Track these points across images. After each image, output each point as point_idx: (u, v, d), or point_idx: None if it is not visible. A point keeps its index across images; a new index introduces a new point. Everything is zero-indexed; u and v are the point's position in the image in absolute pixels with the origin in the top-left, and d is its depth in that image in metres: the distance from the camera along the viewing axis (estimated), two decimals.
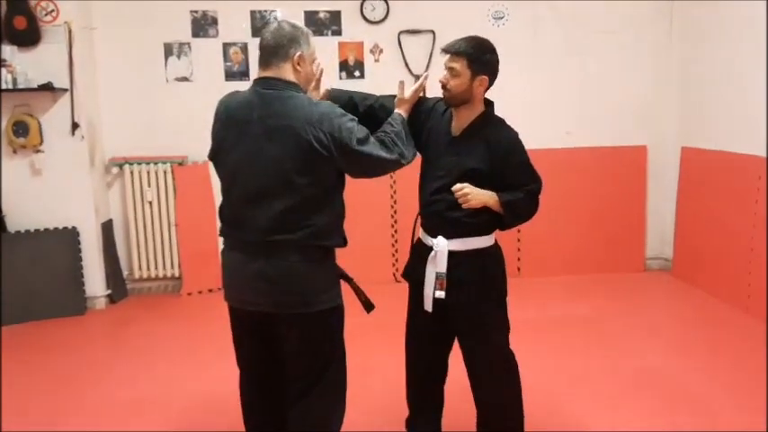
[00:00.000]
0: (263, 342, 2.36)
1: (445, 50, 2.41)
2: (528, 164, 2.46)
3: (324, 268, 2.26)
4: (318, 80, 2.49)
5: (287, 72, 2.22)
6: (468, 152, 2.42)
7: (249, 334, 2.37)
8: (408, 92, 2.50)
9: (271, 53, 2.22)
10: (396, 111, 2.46)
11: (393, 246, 5.36)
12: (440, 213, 2.46)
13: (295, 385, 2.31)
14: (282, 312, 2.22)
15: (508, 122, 2.50)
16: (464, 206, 2.36)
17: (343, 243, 2.32)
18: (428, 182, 2.53)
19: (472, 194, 2.35)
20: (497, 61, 2.43)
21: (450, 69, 2.38)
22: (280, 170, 2.12)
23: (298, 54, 2.22)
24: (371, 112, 2.53)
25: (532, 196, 2.46)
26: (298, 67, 2.24)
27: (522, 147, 2.45)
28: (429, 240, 2.52)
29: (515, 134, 2.46)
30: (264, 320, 2.27)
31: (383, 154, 2.22)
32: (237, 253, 2.25)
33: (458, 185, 2.36)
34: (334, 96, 2.53)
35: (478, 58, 2.36)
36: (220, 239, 2.36)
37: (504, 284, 2.56)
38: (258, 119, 2.15)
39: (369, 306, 2.42)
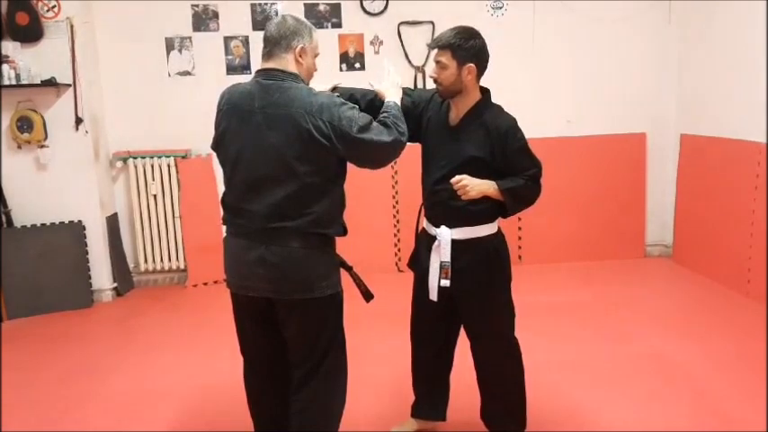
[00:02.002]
0: (264, 328, 2.40)
1: (431, 45, 2.46)
2: (527, 148, 2.48)
3: (323, 256, 2.30)
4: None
5: (289, 63, 2.26)
6: (467, 141, 2.45)
7: (251, 320, 2.41)
8: (384, 84, 2.53)
9: (274, 44, 2.27)
10: (388, 99, 2.47)
11: (395, 235, 5.40)
12: (443, 203, 2.49)
13: (296, 372, 2.36)
14: (282, 298, 2.26)
15: (508, 111, 2.52)
16: (463, 198, 2.39)
17: (343, 232, 2.35)
18: (430, 172, 2.56)
19: (471, 185, 2.38)
20: (483, 46, 2.44)
21: (437, 63, 2.42)
22: (280, 158, 2.16)
23: (300, 46, 2.26)
24: (371, 106, 2.56)
25: (534, 181, 2.48)
26: (299, 59, 2.28)
27: (521, 132, 2.47)
28: (432, 230, 2.55)
29: (513, 119, 2.48)
30: (265, 306, 2.32)
31: (384, 138, 2.24)
32: (239, 239, 2.29)
33: (456, 177, 2.38)
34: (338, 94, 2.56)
35: (461, 46, 2.38)
36: (224, 229, 2.40)
37: (508, 271, 2.59)
38: (259, 108, 2.20)
39: (368, 295, 2.46)
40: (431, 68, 2.48)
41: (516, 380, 2.67)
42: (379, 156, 2.31)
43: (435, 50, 2.44)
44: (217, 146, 2.36)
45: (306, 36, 2.29)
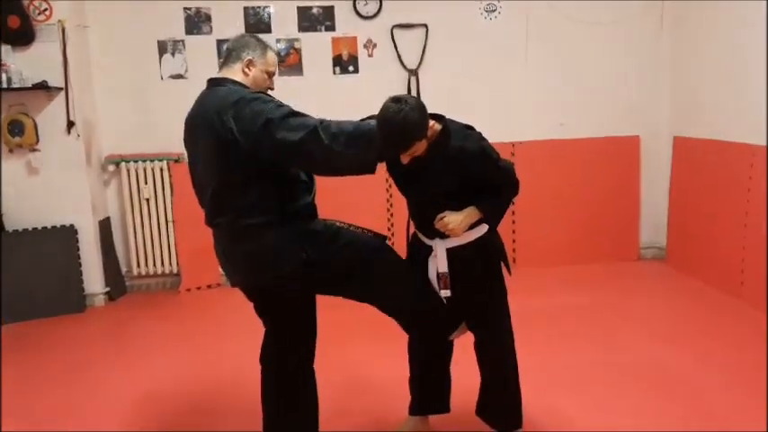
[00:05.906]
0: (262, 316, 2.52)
1: (406, 152, 2.23)
2: (497, 164, 2.42)
3: (264, 237, 2.27)
4: None
5: (235, 73, 2.36)
6: (437, 174, 2.37)
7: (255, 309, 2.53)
8: None
9: (227, 55, 2.40)
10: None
11: (389, 240, 5.37)
12: (432, 221, 2.46)
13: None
14: (245, 285, 2.42)
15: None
16: (451, 235, 2.42)
17: (277, 220, 2.26)
18: (410, 196, 2.57)
19: (454, 224, 2.38)
20: (423, 106, 2.21)
21: (413, 153, 2.25)
22: (208, 160, 2.26)
23: (248, 58, 2.36)
24: None
25: (511, 189, 2.50)
26: (246, 70, 2.36)
27: (488, 148, 2.38)
28: (427, 241, 2.56)
29: (477, 137, 2.38)
30: (247, 292, 2.46)
31: (291, 137, 2.09)
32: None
33: (438, 218, 2.39)
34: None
35: (425, 127, 2.21)
36: None
37: (502, 251, 2.61)
38: (194, 116, 2.33)
39: (379, 236, 2.52)
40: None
41: (514, 374, 2.68)
42: (294, 157, 2.16)
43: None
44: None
45: (258, 51, 2.38)
